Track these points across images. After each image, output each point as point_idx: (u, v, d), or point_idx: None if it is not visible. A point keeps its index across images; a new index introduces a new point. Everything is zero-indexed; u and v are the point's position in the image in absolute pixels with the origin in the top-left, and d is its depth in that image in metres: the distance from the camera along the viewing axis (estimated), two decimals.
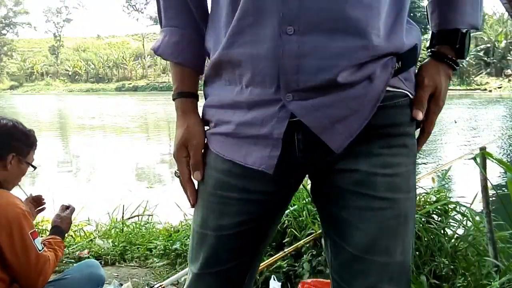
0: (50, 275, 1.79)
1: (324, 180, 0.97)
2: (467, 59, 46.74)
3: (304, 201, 3.04)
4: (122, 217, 4.32)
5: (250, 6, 0.85)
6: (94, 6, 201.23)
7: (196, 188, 1.04)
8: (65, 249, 3.62)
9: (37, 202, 2.09)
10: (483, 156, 2.46)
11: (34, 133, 1.96)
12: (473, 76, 46.55)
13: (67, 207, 2.11)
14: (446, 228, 2.78)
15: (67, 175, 10.54)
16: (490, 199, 2.54)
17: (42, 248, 1.76)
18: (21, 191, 2.10)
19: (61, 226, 1.99)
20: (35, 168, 1.94)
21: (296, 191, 1.17)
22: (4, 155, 1.80)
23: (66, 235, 4.19)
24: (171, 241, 3.48)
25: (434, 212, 2.80)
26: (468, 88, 43.32)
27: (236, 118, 0.93)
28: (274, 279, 2.55)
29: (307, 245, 2.74)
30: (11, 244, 1.66)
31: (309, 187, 3.20)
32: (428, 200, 2.89)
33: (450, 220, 2.81)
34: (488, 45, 47.61)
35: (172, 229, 3.88)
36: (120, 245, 3.58)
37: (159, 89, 59.02)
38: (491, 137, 15.08)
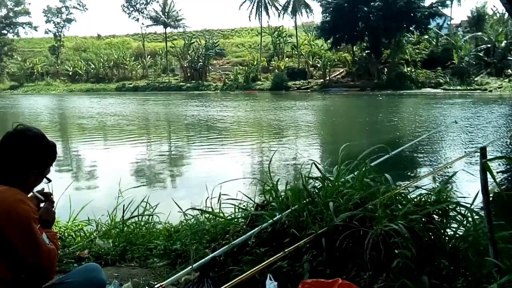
0: (55, 265, 1.88)
1: None
2: (467, 59, 46.74)
3: (305, 201, 3.04)
4: (123, 217, 4.31)
5: None
6: (94, 6, 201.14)
7: None
8: (65, 249, 3.62)
9: (44, 198, 2.09)
10: (483, 156, 2.45)
11: (56, 147, 1.97)
12: (473, 76, 46.49)
13: (44, 194, 2.06)
14: (446, 229, 2.77)
15: (67, 174, 10.53)
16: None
17: (49, 242, 1.81)
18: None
19: (47, 219, 1.98)
20: (50, 181, 1.96)
21: None
22: (27, 171, 1.83)
23: (66, 234, 4.19)
24: (171, 241, 3.47)
25: (435, 213, 2.80)
26: (468, 88, 43.27)
27: None
28: (270, 278, 2.54)
29: (308, 245, 2.73)
30: (22, 240, 1.71)
31: (309, 187, 3.21)
32: (429, 200, 2.89)
33: (451, 221, 2.81)
34: (488, 45, 47.54)
35: (172, 229, 3.88)
36: (120, 245, 3.57)
37: (159, 89, 58.94)
38: (492, 137, 15.06)
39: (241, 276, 2.53)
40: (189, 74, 61.92)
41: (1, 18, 71.43)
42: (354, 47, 54.81)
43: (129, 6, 67.35)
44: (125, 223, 4.23)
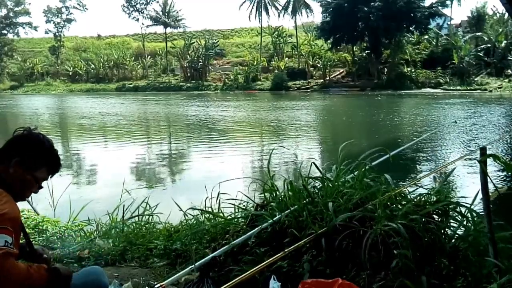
0: (9, 273, 1.62)
1: None
2: (467, 59, 46.71)
3: (305, 201, 3.04)
4: (123, 217, 4.31)
5: None
6: (94, 6, 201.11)
7: None
8: (65, 249, 3.62)
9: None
10: (483, 156, 2.46)
11: (54, 156, 1.94)
12: (473, 76, 46.48)
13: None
14: (446, 229, 2.77)
15: (66, 173, 10.53)
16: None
17: (5, 244, 1.64)
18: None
19: (59, 269, 1.89)
20: (39, 186, 1.92)
21: None
22: (11, 157, 1.85)
23: (66, 234, 4.18)
24: (171, 241, 3.47)
25: (435, 213, 2.80)
26: (468, 88, 43.25)
27: None
28: (274, 279, 2.55)
29: (308, 245, 2.74)
30: None
31: (309, 187, 3.21)
32: (429, 200, 2.89)
33: (451, 220, 2.81)
34: (488, 45, 47.53)
35: (172, 229, 3.88)
36: (120, 245, 3.57)
37: (159, 89, 58.93)
38: (491, 136, 15.06)
39: (241, 276, 2.53)
40: (189, 74, 61.91)
41: (1, 18, 71.38)
42: (354, 47, 54.80)
43: (129, 6, 67.34)
44: (125, 223, 4.24)
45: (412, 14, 48.05)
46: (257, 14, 61.19)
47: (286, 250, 2.67)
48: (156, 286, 2.57)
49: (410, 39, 53.11)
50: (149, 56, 67.00)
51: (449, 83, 46.22)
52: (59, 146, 15.42)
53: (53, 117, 27.41)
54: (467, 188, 7.11)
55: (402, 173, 8.87)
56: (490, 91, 41.20)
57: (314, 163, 3.57)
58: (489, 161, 2.56)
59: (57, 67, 70.06)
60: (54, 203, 5.08)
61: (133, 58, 66.89)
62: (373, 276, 2.47)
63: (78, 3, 71.86)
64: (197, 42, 63.35)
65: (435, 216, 2.78)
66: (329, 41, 53.29)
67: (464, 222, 2.78)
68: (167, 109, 31.36)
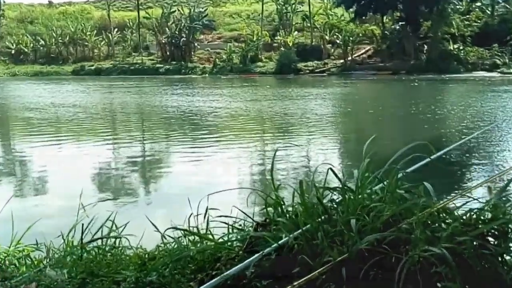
0: None
1: None
2: None
3: (319, 219, 3.04)
4: (81, 240, 4.32)
5: None
6: None
7: None
8: (6, 282, 3.63)
9: None
10: None
11: None
12: None
13: None
14: (505, 254, 2.78)
15: (8, 183, 10.53)
16: None
17: None
18: None
19: None
20: None
21: None
22: None
23: (7, 262, 4.20)
24: (145, 272, 3.48)
25: (490, 234, 2.81)
26: None
27: None
28: None
29: (323, 276, 2.74)
30: None
31: (325, 201, 3.21)
32: (482, 217, 2.89)
33: (510, 244, 2.82)
34: None
35: (146, 255, 3.88)
36: (78, 277, 3.58)
37: (129, 72, 59.10)
38: None
39: None
40: (168, 53, 62.07)
41: None
42: (384, 17, 54.92)
43: None
44: (85, 248, 4.24)
45: None
46: None
47: (295, 283, 2.68)
48: None
49: (458, 7, 53.21)
50: (116, 30, 67.25)
51: (509, 64, 46.31)
52: None
53: None
54: None
55: (447, 182, 8.88)
56: None
57: (331, 169, 3.57)
58: None
59: None
60: None
61: (95, 32, 67.12)
62: None
63: None
64: (178, 11, 63.49)
65: (490, 238, 2.79)
66: (351, 10, 53.46)
67: None
68: (140, 99, 31.42)
